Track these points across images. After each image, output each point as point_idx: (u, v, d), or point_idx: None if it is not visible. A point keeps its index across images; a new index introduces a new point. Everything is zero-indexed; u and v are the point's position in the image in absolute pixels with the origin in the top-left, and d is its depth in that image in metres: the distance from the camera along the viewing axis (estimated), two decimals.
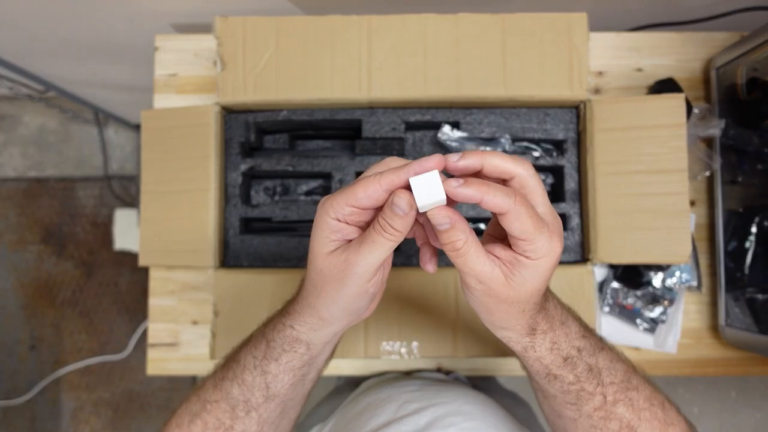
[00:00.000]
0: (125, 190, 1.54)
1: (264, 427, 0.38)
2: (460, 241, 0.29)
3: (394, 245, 0.30)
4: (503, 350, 0.55)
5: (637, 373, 0.38)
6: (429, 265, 0.35)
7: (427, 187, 0.28)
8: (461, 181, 0.28)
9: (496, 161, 0.30)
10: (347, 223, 0.30)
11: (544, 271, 0.30)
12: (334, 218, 0.30)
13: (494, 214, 0.30)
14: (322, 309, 0.33)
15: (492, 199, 0.28)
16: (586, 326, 0.37)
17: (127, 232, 1.49)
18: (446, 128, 0.58)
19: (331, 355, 0.41)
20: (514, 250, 0.30)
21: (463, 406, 0.46)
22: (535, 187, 0.30)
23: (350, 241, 0.31)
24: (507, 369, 0.69)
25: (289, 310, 0.36)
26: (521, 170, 0.30)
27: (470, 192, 0.28)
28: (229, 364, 0.38)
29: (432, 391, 0.51)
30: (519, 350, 0.35)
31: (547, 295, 0.35)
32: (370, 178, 0.29)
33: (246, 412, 0.37)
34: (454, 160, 0.29)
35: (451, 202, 0.29)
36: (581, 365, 0.35)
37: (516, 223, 0.28)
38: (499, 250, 0.31)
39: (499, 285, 0.30)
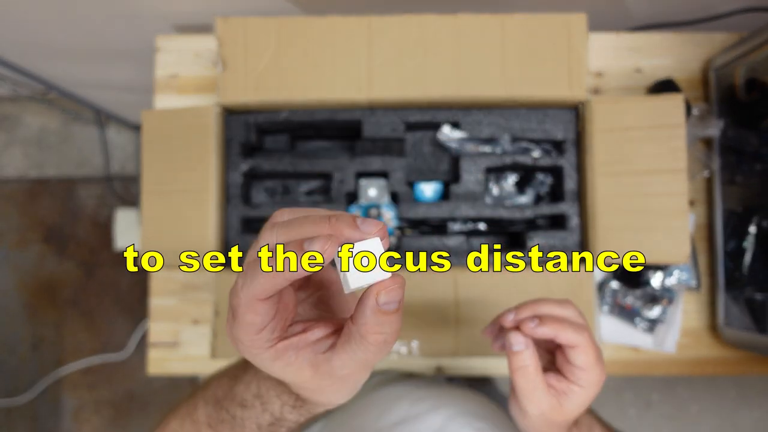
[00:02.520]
0: (126, 190, 1.54)
1: None
2: (531, 366, 0.34)
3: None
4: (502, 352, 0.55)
5: None
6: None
7: (364, 262, 0.22)
8: (537, 321, 0.34)
9: (569, 332, 0.34)
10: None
11: (592, 397, 0.35)
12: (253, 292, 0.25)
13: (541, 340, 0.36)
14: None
15: (566, 335, 0.33)
16: (607, 427, 0.42)
17: (128, 232, 1.49)
18: (446, 128, 0.58)
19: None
20: (567, 378, 0.35)
21: (473, 408, 0.48)
22: (586, 334, 0.35)
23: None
24: (506, 370, 0.69)
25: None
26: (583, 328, 0.35)
27: (547, 330, 0.34)
28: (195, 400, 0.37)
29: (439, 390, 0.52)
30: None
31: (576, 418, 0.39)
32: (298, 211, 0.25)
33: None
34: (532, 327, 0.34)
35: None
36: None
37: (582, 355, 0.34)
38: (553, 380, 0.35)
39: (555, 413, 0.35)
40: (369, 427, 0.46)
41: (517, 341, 0.34)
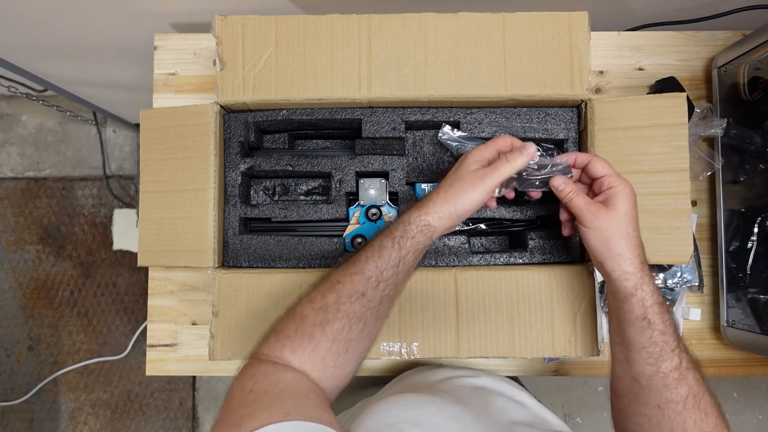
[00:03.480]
0: (124, 190, 1.54)
1: (383, 301, 0.44)
2: (572, 192, 0.47)
3: (510, 173, 0.47)
4: (503, 351, 0.55)
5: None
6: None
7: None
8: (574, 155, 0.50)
9: (582, 155, 0.49)
10: (486, 159, 0.48)
11: (626, 194, 0.45)
12: (482, 153, 0.48)
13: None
14: (455, 200, 0.46)
15: (581, 157, 0.49)
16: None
17: (126, 232, 1.48)
18: (446, 128, 0.57)
19: (414, 267, 0.49)
20: (603, 191, 0.47)
21: (508, 382, 0.56)
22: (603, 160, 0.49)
23: (483, 167, 0.47)
24: (507, 369, 0.69)
25: (424, 204, 0.47)
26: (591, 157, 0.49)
27: (571, 155, 0.49)
28: (360, 254, 0.45)
29: (473, 370, 0.60)
30: (630, 287, 0.44)
31: (643, 246, 0.46)
32: (507, 137, 0.49)
33: (377, 284, 0.43)
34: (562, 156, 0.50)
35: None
36: (669, 319, 0.44)
37: (597, 165, 0.47)
38: (595, 198, 0.47)
39: (603, 211, 0.45)
40: (420, 382, 0.57)
41: (558, 181, 0.48)
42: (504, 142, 0.49)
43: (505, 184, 0.49)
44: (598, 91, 0.68)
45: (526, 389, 0.57)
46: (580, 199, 0.46)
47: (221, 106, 0.57)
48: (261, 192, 0.63)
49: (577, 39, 0.55)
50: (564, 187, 0.47)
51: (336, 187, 0.59)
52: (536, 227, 0.60)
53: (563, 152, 0.59)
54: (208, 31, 0.66)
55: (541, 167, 0.49)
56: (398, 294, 0.48)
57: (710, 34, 0.68)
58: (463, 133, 0.58)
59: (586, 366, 0.67)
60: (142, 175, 0.57)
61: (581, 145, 0.58)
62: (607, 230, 0.45)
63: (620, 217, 0.45)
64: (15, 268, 1.51)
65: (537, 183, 0.49)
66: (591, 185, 0.49)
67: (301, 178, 0.63)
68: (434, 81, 0.55)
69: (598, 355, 0.53)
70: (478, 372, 0.58)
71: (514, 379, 0.75)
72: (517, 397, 0.53)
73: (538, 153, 0.48)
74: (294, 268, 0.58)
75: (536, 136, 0.58)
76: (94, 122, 1.50)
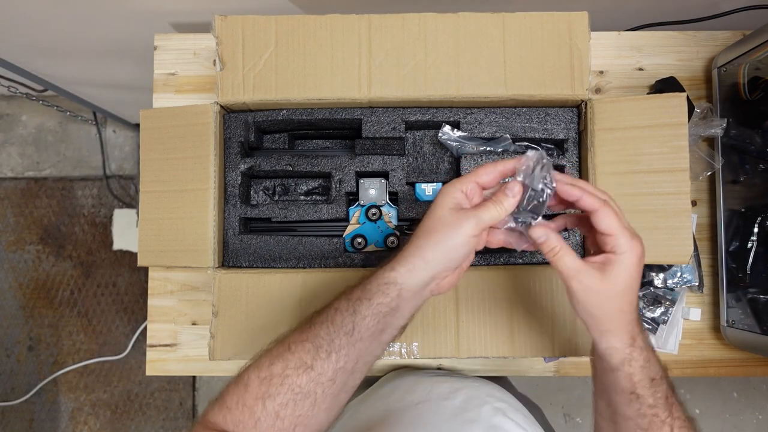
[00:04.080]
0: (124, 190, 1.54)
1: (337, 375, 0.38)
2: (557, 247, 0.38)
3: (498, 217, 0.39)
4: (504, 351, 0.55)
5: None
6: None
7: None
8: (569, 180, 0.39)
9: (590, 198, 0.39)
10: (465, 196, 0.40)
11: (630, 265, 0.37)
12: (459, 190, 0.40)
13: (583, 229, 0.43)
14: (428, 250, 0.39)
15: (588, 198, 0.38)
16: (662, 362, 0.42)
17: (125, 232, 1.48)
18: (446, 128, 0.57)
19: (404, 328, 0.43)
20: (602, 250, 0.38)
21: (492, 391, 0.52)
22: (616, 208, 0.39)
23: (462, 208, 0.40)
24: (506, 369, 0.69)
25: (394, 257, 0.41)
26: (604, 199, 0.39)
27: (575, 191, 0.39)
28: (315, 316, 0.40)
29: (458, 377, 0.55)
30: (617, 362, 0.39)
31: (639, 319, 0.40)
32: (488, 165, 0.40)
33: (327, 354, 0.38)
34: (562, 179, 0.40)
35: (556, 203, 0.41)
36: (661, 391, 0.39)
37: (605, 219, 0.37)
38: (590, 257, 0.39)
39: (595, 280, 0.37)
40: (394, 406, 0.51)
41: (538, 233, 0.39)
42: (486, 174, 0.40)
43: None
44: (598, 91, 0.68)
45: (512, 395, 0.53)
46: (569, 260, 0.38)
47: (221, 106, 0.57)
48: (261, 192, 0.63)
49: (577, 39, 0.55)
50: (545, 239, 0.38)
51: (336, 187, 0.59)
52: None
53: (563, 152, 0.58)
54: (208, 31, 0.66)
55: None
56: (366, 366, 0.40)
57: (710, 34, 0.68)
58: (463, 133, 0.58)
59: (586, 366, 0.67)
60: (142, 175, 0.57)
61: (581, 145, 0.58)
62: (597, 306, 0.38)
63: (617, 291, 0.37)
64: (15, 268, 1.51)
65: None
66: (589, 226, 0.40)
67: (301, 178, 0.63)
68: (434, 81, 0.55)
69: None
70: (458, 385, 0.52)
71: (502, 379, 0.74)
72: (493, 420, 0.48)
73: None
74: (294, 268, 0.58)
75: (536, 136, 0.58)
76: (94, 122, 1.50)
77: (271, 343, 0.40)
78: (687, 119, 0.54)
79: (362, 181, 0.59)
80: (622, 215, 0.39)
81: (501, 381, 0.75)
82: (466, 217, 0.39)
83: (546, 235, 0.39)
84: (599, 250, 0.39)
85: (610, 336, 0.39)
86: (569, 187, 0.39)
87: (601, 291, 0.37)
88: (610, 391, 0.41)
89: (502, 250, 0.59)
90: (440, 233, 0.39)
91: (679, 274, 0.64)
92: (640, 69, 0.67)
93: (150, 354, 0.67)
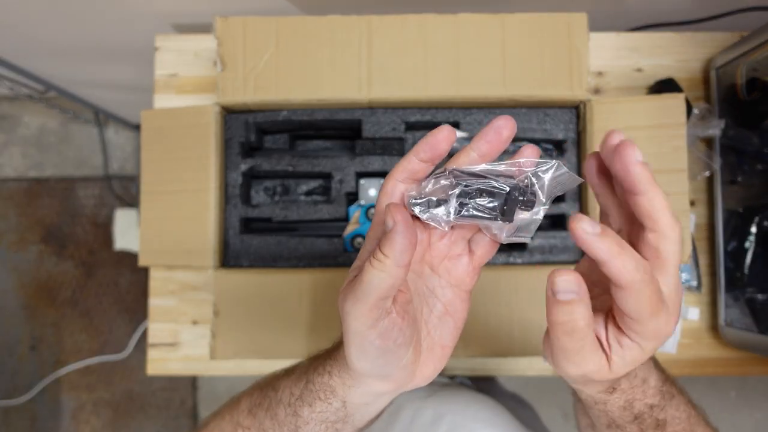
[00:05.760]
0: (125, 190, 1.54)
1: None
2: (582, 321, 0.23)
3: (386, 277, 0.24)
4: (503, 351, 0.55)
5: (698, 411, 0.36)
6: None
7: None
8: (599, 229, 0.22)
9: (657, 200, 0.24)
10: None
11: (648, 353, 0.26)
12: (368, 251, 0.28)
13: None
14: (352, 359, 0.28)
15: (618, 266, 0.22)
16: (665, 376, 0.34)
17: (127, 232, 1.49)
18: None
19: (376, 418, 0.35)
20: (618, 327, 0.26)
21: (477, 413, 0.47)
22: (674, 255, 0.25)
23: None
24: (507, 369, 0.69)
25: (333, 353, 0.31)
26: (670, 231, 0.24)
27: (603, 247, 0.22)
28: (267, 391, 0.35)
29: (442, 395, 0.52)
30: (588, 402, 0.32)
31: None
32: (385, 200, 0.29)
33: None
34: (615, 141, 0.25)
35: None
36: (649, 421, 0.32)
37: (632, 301, 0.23)
38: (602, 330, 0.27)
39: (600, 375, 0.27)
40: None
41: (567, 287, 0.23)
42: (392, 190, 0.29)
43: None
44: (597, 91, 0.68)
45: (498, 412, 0.50)
46: (587, 337, 0.25)
47: (222, 106, 0.57)
48: (261, 192, 0.63)
49: (576, 40, 0.55)
50: (575, 301, 0.23)
51: (336, 187, 0.59)
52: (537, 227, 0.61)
53: (562, 152, 0.59)
54: (209, 32, 0.67)
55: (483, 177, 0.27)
56: None
57: (708, 35, 0.68)
58: (463, 134, 0.58)
59: None
60: (143, 175, 0.57)
61: (580, 145, 0.58)
62: (590, 384, 0.29)
63: (619, 375, 0.28)
64: (17, 268, 1.52)
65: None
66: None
67: (301, 178, 0.63)
68: (434, 81, 0.56)
69: None
70: (442, 410, 0.47)
71: (491, 380, 0.74)
72: None
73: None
74: (294, 267, 0.58)
75: (535, 137, 0.58)
76: (95, 123, 1.51)
77: (233, 398, 0.37)
78: (685, 120, 0.54)
79: (362, 181, 0.59)
80: (677, 266, 0.26)
81: (490, 382, 0.75)
82: (343, 296, 0.26)
83: (577, 294, 0.23)
84: (604, 292, 0.29)
85: (583, 388, 0.31)
86: (595, 241, 0.22)
87: (596, 378, 0.27)
88: (589, 413, 0.35)
89: (502, 250, 0.59)
90: (345, 320, 0.26)
91: None
92: (639, 70, 0.68)
93: (151, 353, 0.67)
